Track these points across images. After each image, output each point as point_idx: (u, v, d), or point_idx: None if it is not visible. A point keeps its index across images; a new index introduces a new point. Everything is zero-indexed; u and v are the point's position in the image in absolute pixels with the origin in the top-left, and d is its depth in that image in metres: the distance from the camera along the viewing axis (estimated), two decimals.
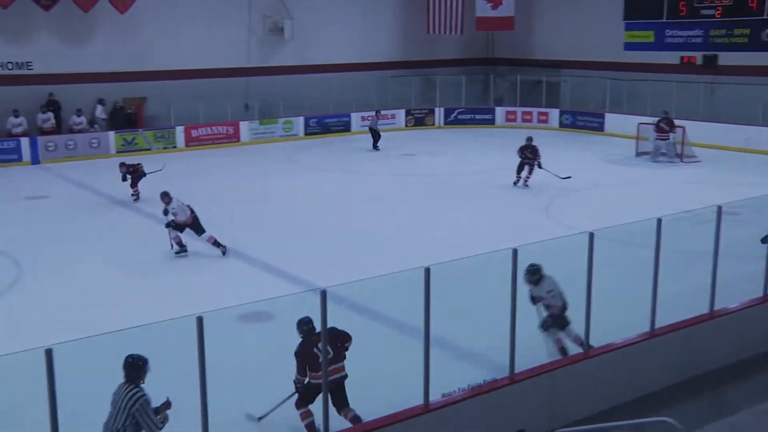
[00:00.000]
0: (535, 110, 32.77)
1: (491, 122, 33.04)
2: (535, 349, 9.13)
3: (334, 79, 31.81)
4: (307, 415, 7.92)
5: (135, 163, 20.19)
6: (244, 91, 30.19)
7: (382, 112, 30.75)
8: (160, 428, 6.48)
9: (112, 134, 27.12)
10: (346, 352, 7.89)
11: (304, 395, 7.90)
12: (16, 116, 25.86)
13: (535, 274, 9.23)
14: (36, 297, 13.04)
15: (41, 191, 21.45)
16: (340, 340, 7.85)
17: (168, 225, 14.90)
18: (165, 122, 28.46)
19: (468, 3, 33.88)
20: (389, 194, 20.65)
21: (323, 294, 6.93)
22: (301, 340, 7.83)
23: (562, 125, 31.89)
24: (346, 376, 7.86)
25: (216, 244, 14.92)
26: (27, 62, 26.67)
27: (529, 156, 20.63)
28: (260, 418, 8.22)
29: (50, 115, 26.58)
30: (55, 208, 19.67)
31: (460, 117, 33.32)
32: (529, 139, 21.11)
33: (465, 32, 34.52)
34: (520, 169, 20.76)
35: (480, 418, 8.08)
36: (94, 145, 26.69)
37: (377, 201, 19.79)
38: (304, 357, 7.76)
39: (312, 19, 31.73)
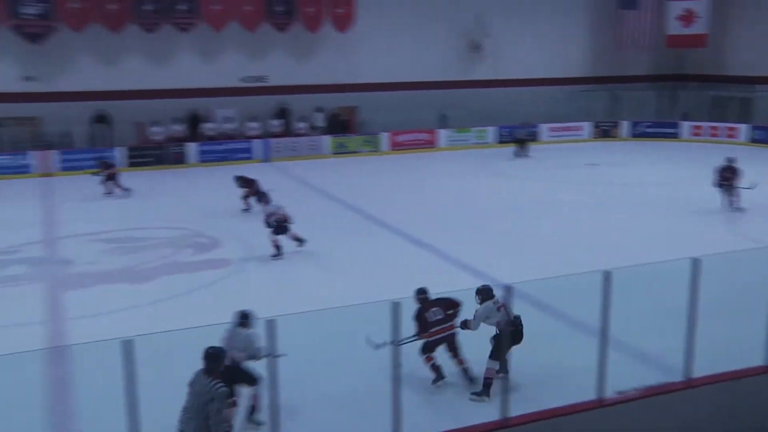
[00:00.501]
0: (722, 125, 30.79)
1: (676, 136, 31.62)
2: (714, 355, 8.80)
3: (525, 92, 31.44)
4: (429, 359, 8.73)
5: (251, 179, 18.93)
6: (442, 102, 30.48)
7: (566, 124, 30.56)
8: (226, 424, 6.13)
9: (328, 138, 28.32)
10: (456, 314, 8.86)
11: (426, 346, 8.74)
12: (253, 121, 27.88)
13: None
14: (257, 274, 13.85)
15: (268, 185, 22.73)
16: (450, 307, 8.85)
17: (270, 227, 14.52)
18: (373, 128, 29.41)
19: (658, 20, 32.71)
20: (570, 200, 20.11)
21: (508, 289, 6.91)
22: (418, 306, 8.82)
23: (753, 140, 29.96)
24: (455, 333, 8.76)
25: (297, 239, 14.74)
26: (264, 76, 28.57)
27: (728, 177, 18.34)
28: (378, 346, 8.33)
29: (282, 121, 28.38)
30: (278, 200, 20.71)
31: (646, 130, 31.98)
32: (731, 160, 18.68)
33: (654, 49, 33.33)
34: (724, 192, 18.53)
35: (653, 419, 7.66)
36: (313, 147, 27.98)
37: (558, 206, 19.39)
38: (419, 319, 8.72)
39: (507, 37, 31.53)
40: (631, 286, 9.97)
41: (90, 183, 21.47)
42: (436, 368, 8.71)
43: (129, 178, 24.26)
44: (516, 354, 7.63)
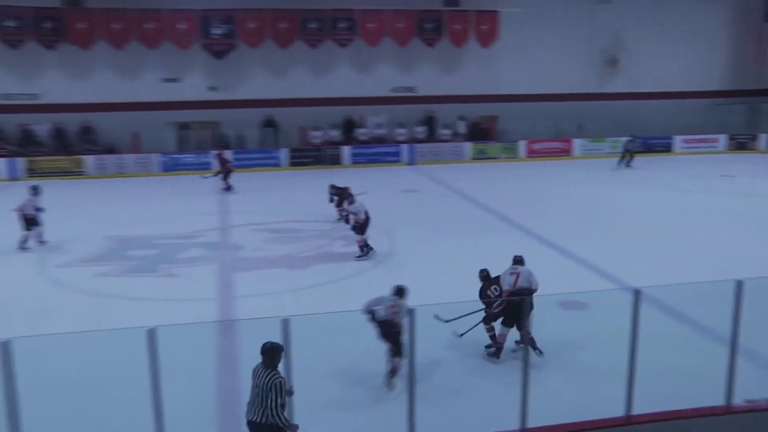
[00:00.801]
0: None
1: None
2: None
3: (660, 105, 30.10)
4: (491, 329, 9.17)
5: (343, 186, 16.96)
6: (578, 113, 29.64)
7: (701, 136, 29.12)
8: (282, 411, 5.93)
9: (468, 144, 28.23)
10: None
11: (488, 318, 9.17)
12: (401, 127, 28.19)
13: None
14: (400, 267, 13.62)
15: (413, 186, 22.90)
16: (497, 284, 9.29)
17: (353, 228, 14.17)
18: (511, 137, 29.00)
19: None
20: (702, 209, 18.88)
21: (637, 293, 6.55)
22: (481, 284, 9.33)
23: None
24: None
25: (364, 246, 14.05)
26: (413, 86, 28.78)
27: None
28: (447, 321, 8.92)
29: (425, 128, 28.50)
30: (422, 200, 20.78)
31: None
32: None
33: None
34: None
35: None
36: (455, 152, 27.98)
37: (690, 214, 18.28)
38: (483, 296, 9.18)
39: (644, 52, 30.16)
40: (763, 297, 9.31)
41: (259, 179, 22.35)
42: (494, 338, 9.12)
43: (291, 176, 25.29)
44: (643, 354, 7.28)
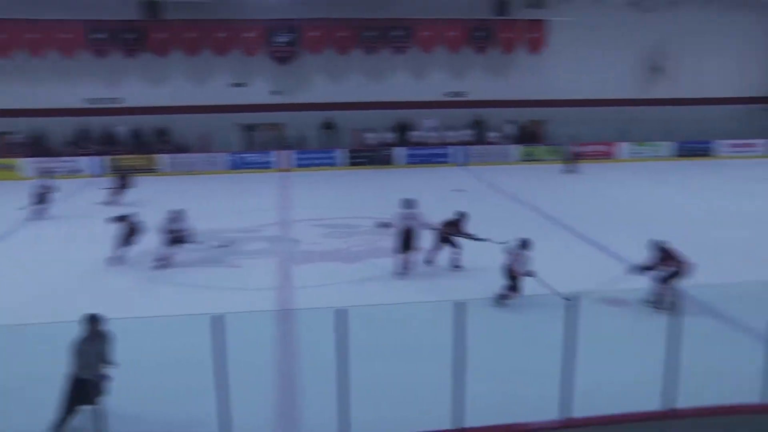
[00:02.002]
0: None
1: None
2: None
3: (703, 111, 29.14)
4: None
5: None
6: (622, 117, 28.91)
7: (744, 141, 28.39)
8: None
9: (517, 147, 27.87)
10: None
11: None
12: (452, 130, 27.95)
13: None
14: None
15: (462, 186, 22.75)
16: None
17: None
18: (558, 140, 28.68)
19: None
20: (749, 211, 18.20)
21: (679, 293, 6.54)
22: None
23: None
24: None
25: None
26: (464, 92, 28.65)
27: None
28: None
29: (476, 131, 28.15)
30: (469, 199, 20.36)
31: None
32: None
33: None
34: None
35: None
36: (503, 155, 27.73)
37: (736, 216, 17.71)
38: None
39: (688, 58, 29.31)
40: None
41: (319, 177, 22.44)
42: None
43: (348, 175, 25.39)
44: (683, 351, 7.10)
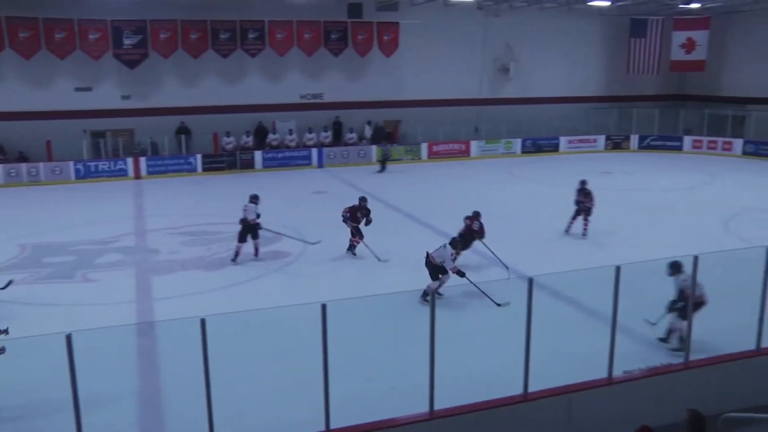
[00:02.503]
0: (720, 140, 30.09)
1: (679, 148, 30.85)
2: (711, 341, 8.45)
3: (547, 109, 31.16)
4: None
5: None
6: (475, 116, 30.40)
7: (582, 137, 30.48)
8: None
9: (374, 147, 28.22)
10: None
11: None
12: (310, 132, 27.98)
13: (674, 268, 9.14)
14: (316, 264, 13.75)
15: (323, 187, 22.84)
16: None
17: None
18: (414, 139, 29.29)
19: (664, 48, 32.04)
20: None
21: (530, 281, 6.75)
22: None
23: (744, 153, 29.20)
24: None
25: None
26: (320, 93, 28.69)
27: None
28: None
29: (332, 133, 28.31)
30: (331, 200, 20.44)
31: (652, 143, 31.30)
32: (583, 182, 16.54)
33: (660, 72, 32.61)
34: None
35: (655, 396, 7.56)
36: (361, 155, 27.97)
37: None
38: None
39: (531, 61, 31.21)
40: (639, 279, 9.81)
41: (174, 184, 21.68)
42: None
43: (205, 181, 24.72)
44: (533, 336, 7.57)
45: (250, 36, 26.44)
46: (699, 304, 8.49)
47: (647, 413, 6.77)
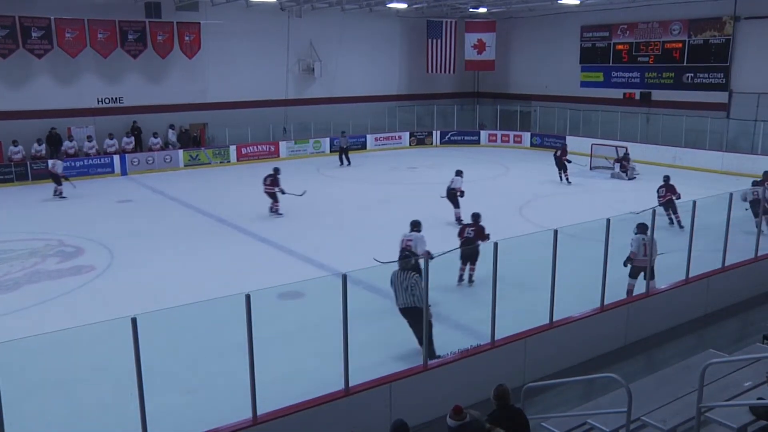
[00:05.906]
0: (511, 133, 32.72)
1: (477, 142, 33.03)
2: (511, 322, 8.89)
3: (353, 108, 31.85)
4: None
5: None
6: (283, 117, 30.32)
7: (388, 134, 31.76)
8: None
9: (180, 152, 27.12)
10: None
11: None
12: (111, 138, 26.12)
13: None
14: (123, 277, 13.08)
15: (127, 196, 21.61)
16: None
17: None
18: (221, 142, 28.53)
19: (458, 49, 34.17)
20: (397, 198, 20.52)
21: (344, 278, 6.81)
22: None
23: (532, 145, 32.02)
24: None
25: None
26: (120, 97, 26.89)
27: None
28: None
29: (132, 139, 26.69)
30: (137, 209, 19.76)
31: (452, 138, 33.30)
32: (666, 177, 17.45)
33: (456, 72, 34.67)
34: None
35: (467, 376, 7.96)
36: (167, 161, 26.67)
37: (386, 203, 19.80)
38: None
39: (336, 62, 31.74)
40: (448, 267, 10.34)
41: None
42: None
43: None
44: (354, 332, 7.73)
45: (34, 35, 24.15)
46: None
47: (462, 394, 7.17)
